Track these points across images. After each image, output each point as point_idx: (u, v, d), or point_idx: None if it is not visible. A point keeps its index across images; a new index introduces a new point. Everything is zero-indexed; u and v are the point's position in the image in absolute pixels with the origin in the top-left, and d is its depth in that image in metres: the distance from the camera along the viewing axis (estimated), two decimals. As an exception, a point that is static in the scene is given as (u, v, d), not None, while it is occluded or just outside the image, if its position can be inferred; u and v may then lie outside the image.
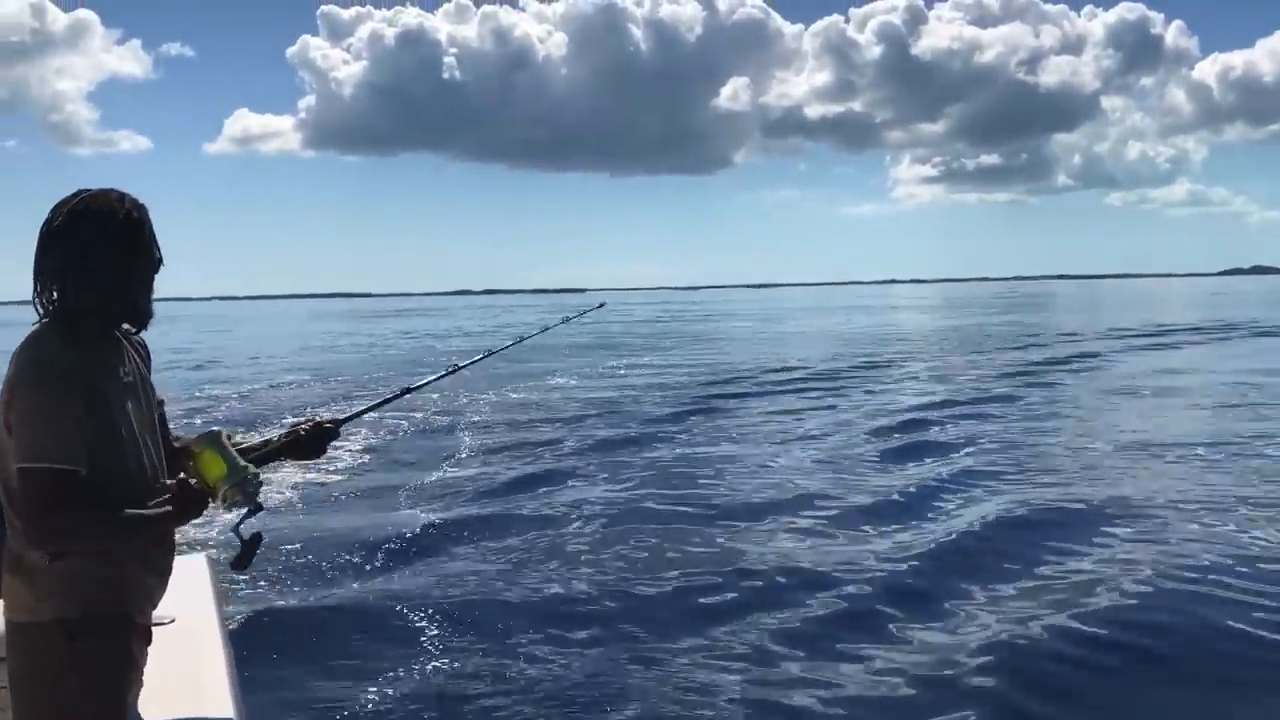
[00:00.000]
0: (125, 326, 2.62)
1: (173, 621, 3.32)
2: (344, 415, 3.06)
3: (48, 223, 2.50)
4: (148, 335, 2.70)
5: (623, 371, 27.46)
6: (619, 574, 7.80)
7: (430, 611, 6.80)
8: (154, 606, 2.61)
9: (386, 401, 3.50)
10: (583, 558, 8.26)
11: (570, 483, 11.51)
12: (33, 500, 2.29)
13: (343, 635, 6.42)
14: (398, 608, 6.89)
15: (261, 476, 2.52)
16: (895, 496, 10.46)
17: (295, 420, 2.98)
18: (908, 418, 16.23)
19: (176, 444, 2.75)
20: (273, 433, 2.97)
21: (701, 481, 11.41)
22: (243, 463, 2.47)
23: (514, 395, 21.52)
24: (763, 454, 13.19)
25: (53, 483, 2.27)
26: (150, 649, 2.61)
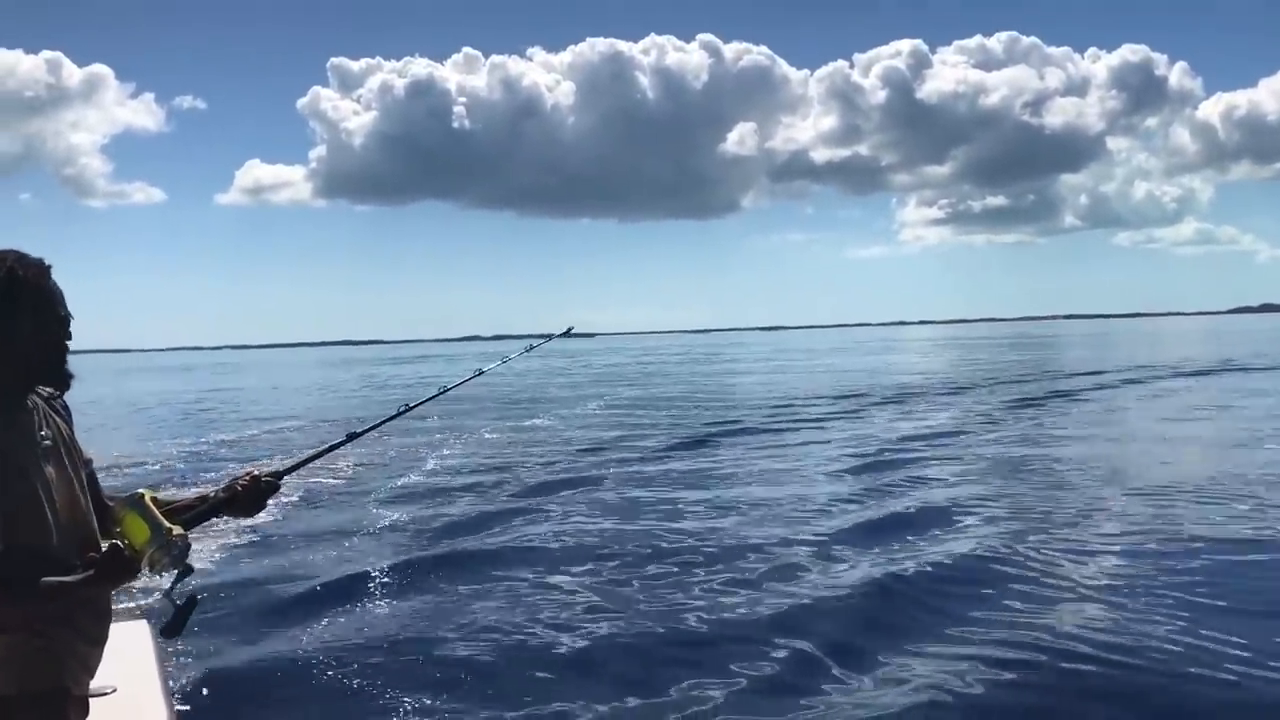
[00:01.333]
0: (47, 391, 2.56)
1: (114, 691, 3.22)
2: (285, 466, 2.96)
3: None
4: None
5: (600, 411, 27.72)
6: (577, 617, 7.68)
7: (384, 665, 6.64)
8: (91, 676, 2.54)
9: (331, 449, 3.35)
10: (549, 600, 8.13)
11: (533, 521, 11.48)
12: None
13: (292, 697, 6.29)
14: (349, 663, 6.70)
15: (189, 538, 2.45)
16: (879, 528, 10.57)
17: (233, 475, 2.89)
18: (903, 451, 16.40)
19: (111, 503, 2.67)
20: (213, 486, 2.88)
21: (675, 520, 11.38)
22: (167, 525, 2.42)
23: (489, 435, 21.63)
24: (742, 492, 13.16)
25: None
26: None
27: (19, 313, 2.42)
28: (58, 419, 2.57)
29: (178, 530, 2.42)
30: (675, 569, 9.02)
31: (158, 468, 17.62)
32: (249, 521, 8.74)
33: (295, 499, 12.80)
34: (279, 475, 2.88)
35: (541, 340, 5.21)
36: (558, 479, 14.84)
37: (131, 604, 6.92)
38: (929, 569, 8.65)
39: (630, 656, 6.84)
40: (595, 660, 6.80)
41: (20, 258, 2.47)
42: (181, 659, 6.54)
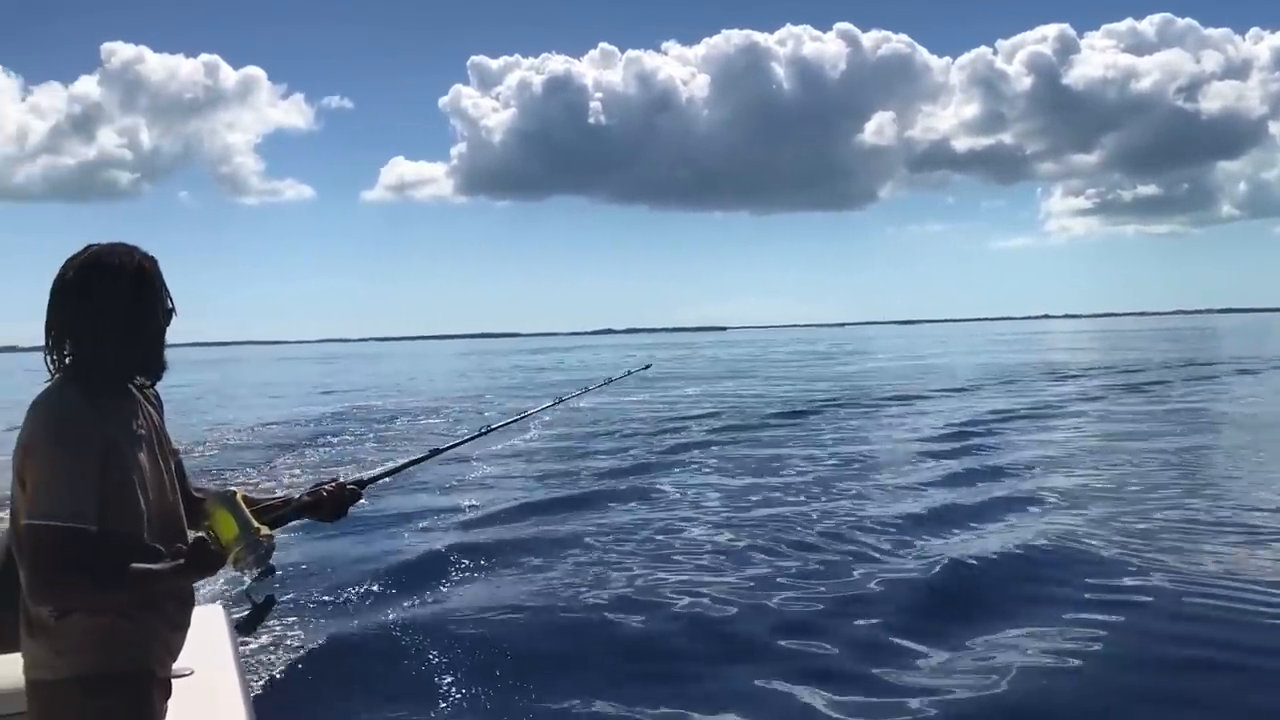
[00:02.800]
0: (139, 380, 2.62)
1: (191, 674, 3.28)
2: (368, 476, 3.02)
3: (59, 278, 2.49)
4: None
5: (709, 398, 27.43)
6: (651, 603, 7.70)
7: (456, 652, 6.68)
8: (174, 659, 2.60)
9: (414, 463, 3.46)
10: (623, 585, 8.17)
11: (614, 506, 11.59)
12: (38, 558, 2.27)
13: (364, 682, 6.31)
14: (421, 649, 6.74)
15: (275, 539, 2.49)
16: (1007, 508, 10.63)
17: (320, 480, 2.93)
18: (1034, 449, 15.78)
19: (198, 494, 2.75)
20: (313, 483, 2.96)
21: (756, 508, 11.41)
22: (255, 524, 2.44)
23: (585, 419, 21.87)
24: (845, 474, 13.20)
25: (59, 541, 2.25)
26: (170, 701, 2.60)
27: (148, 305, 2.51)
28: (150, 409, 2.64)
29: (265, 531, 2.45)
30: (765, 552, 9.17)
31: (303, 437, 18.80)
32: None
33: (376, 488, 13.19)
34: (362, 484, 2.93)
35: (621, 376, 5.42)
36: (644, 463, 15.13)
37: (206, 588, 7.15)
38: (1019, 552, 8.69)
39: (700, 639, 6.93)
40: (656, 641, 6.89)
41: (143, 253, 2.55)
42: (255, 643, 6.58)
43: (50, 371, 2.47)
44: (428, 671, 6.42)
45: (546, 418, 20.12)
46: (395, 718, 5.80)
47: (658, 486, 13.22)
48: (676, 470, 14.87)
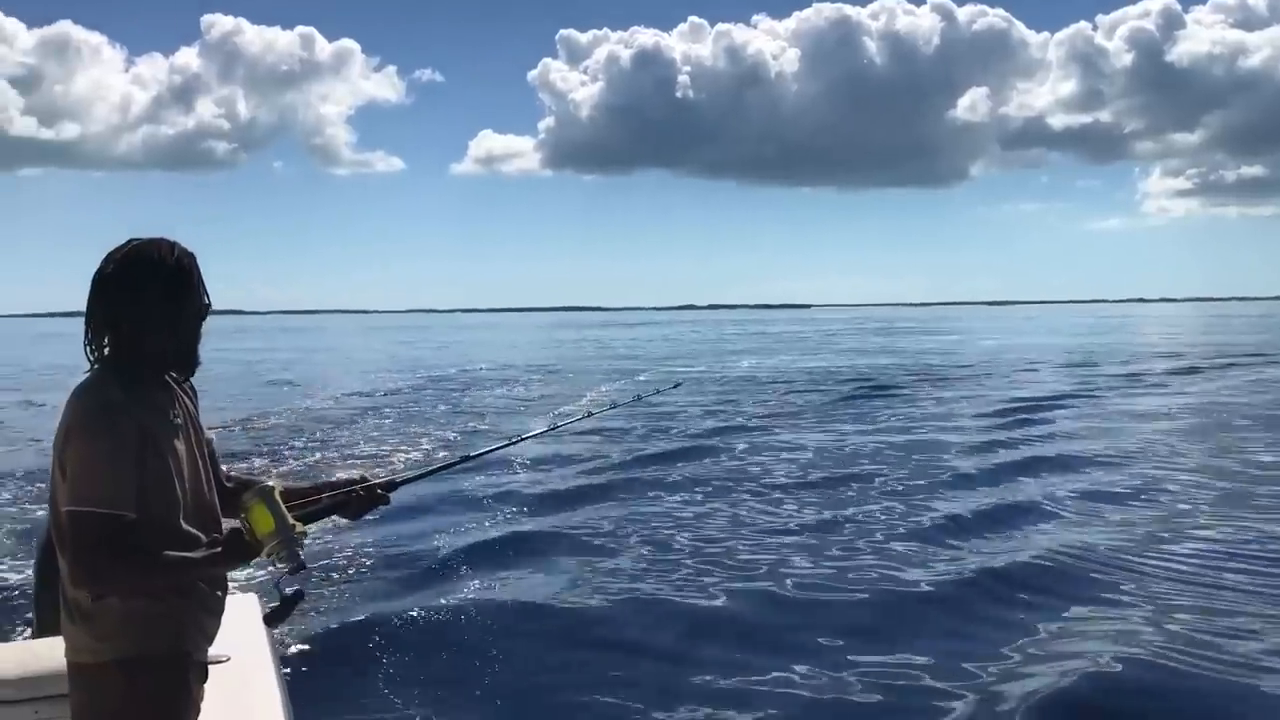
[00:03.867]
0: (174, 374, 2.66)
1: (228, 660, 3.33)
2: (399, 479, 3.06)
3: (99, 271, 2.55)
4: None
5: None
6: (681, 590, 7.65)
7: (491, 643, 6.64)
8: (210, 644, 2.66)
9: (444, 468, 3.57)
10: (651, 572, 8.13)
11: (651, 490, 11.54)
12: (78, 544, 2.33)
13: (398, 669, 6.32)
14: (455, 639, 6.75)
15: (309, 536, 2.54)
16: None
17: (349, 479, 2.97)
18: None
19: (229, 483, 2.81)
20: (346, 472, 3.05)
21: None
22: (291, 521, 2.50)
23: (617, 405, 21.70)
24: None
25: (98, 527, 2.31)
26: (206, 686, 2.66)
27: (186, 299, 2.57)
28: (186, 398, 2.69)
29: (300, 528, 2.51)
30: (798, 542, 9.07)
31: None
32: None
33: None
34: (391, 487, 2.97)
35: (652, 393, 5.65)
36: (678, 448, 14.74)
37: (240, 577, 7.01)
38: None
39: (740, 634, 6.83)
40: (682, 634, 6.80)
41: (182, 248, 2.59)
42: (290, 631, 6.62)
43: (90, 361, 2.54)
44: (461, 661, 6.41)
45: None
46: (427, 706, 5.79)
47: (700, 476, 12.93)
48: (742, 453, 14.56)
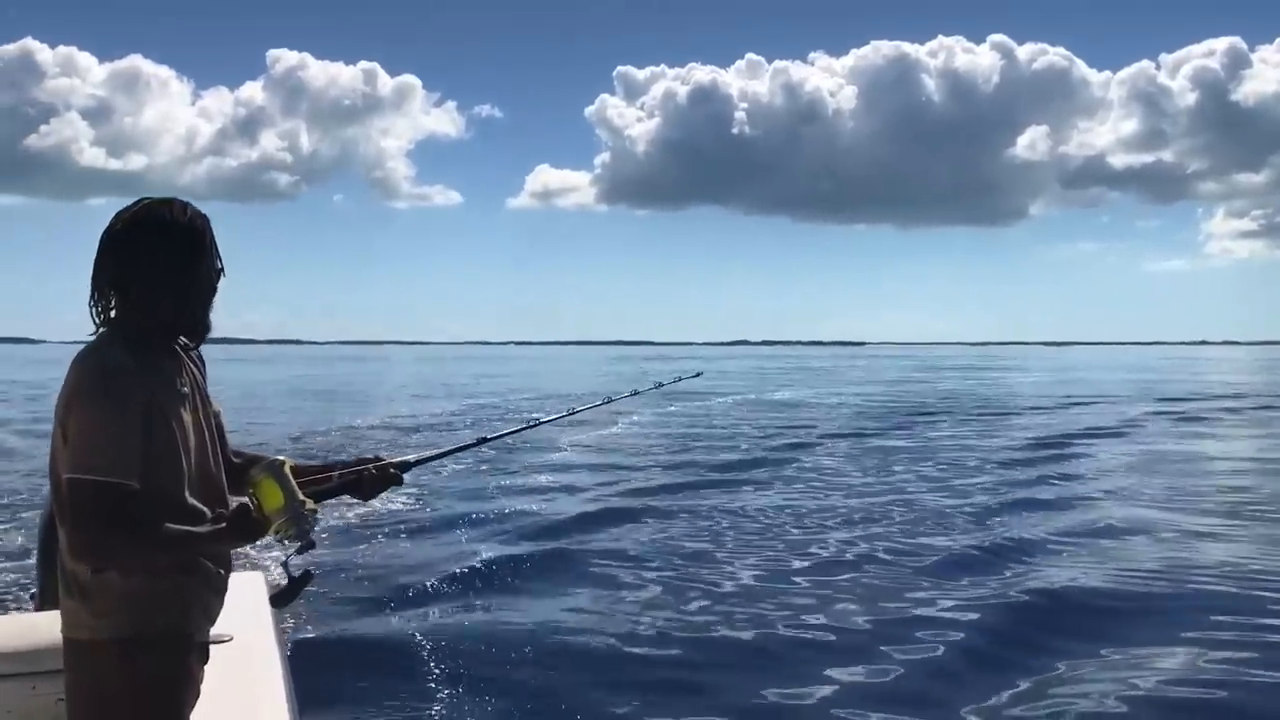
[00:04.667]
0: (183, 340, 2.55)
1: (231, 640, 3.27)
2: (414, 459, 2.94)
3: (108, 229, 2.43)
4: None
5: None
6: (689, 618, 7.50)
7: (496, 640, 6.63)
8: (212, 623, 2.57)
9: (461, 449, 3.46)
10: (659, 599, 7.99)
11: (656, 521, 11.29)
12: (78, 512, 2.22)
13: (402, 655, 6.30)
14: (462, 634, 6.72)
15: (319, 513, 2.44)
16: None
17: (361, 458, 2.87)
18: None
19: (237, 459, 2.70)
20: (353, 454, 2.91)
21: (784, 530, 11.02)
22: (301, 497, 2.40)
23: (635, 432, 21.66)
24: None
25: (100, 496, 2.20)
26: (207, 667, 2.57)
27: (198, 262, 2.45)
28: (194, 367, 2.57)
29: (310, 504, 2.41)
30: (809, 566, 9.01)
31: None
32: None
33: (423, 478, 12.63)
34: (405, 467, 2.87)
35: (673, 381, 5.59)
36: (691, 480, 14.78)
37: (245, 555, 6.99)
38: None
39: (727, 658, 6.74)
40: (692, 661, 6.68)
41: (195, 209, 2.49)
42: (295, 612, 6.53)
43: (95, 324, 2.41)
44: (466, 656, 6.38)
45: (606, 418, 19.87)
46: (431, 697, 5.78)
47: (734, 494, 13.06)
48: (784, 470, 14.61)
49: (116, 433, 2.24)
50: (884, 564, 9.19)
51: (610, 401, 4.61)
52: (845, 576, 8.69)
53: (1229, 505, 12.47)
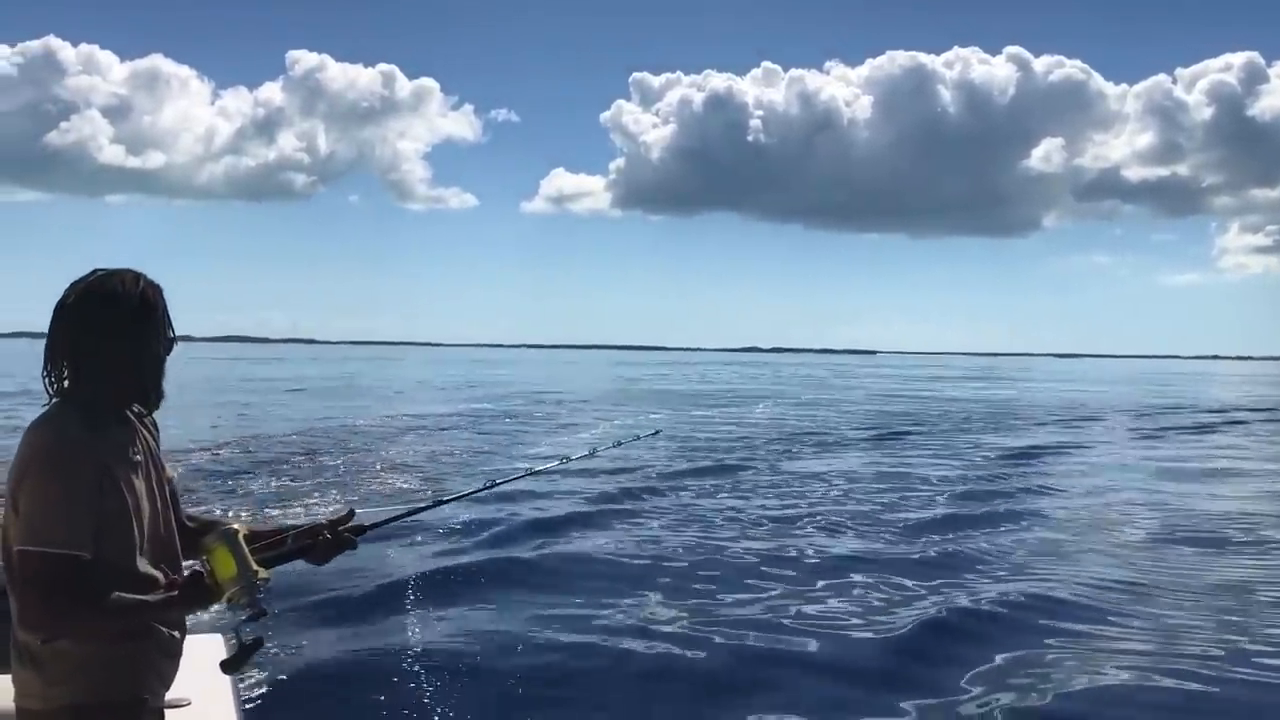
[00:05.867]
0: (136, 408, 2.60)
1: (189, 704, 3.23)
2: (367, 523, 2.98)
3: (60, 301, 2.47)
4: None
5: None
6: (631, 630, 7.67)
7: (457, 687, 6.61)
8: (166, 688, 2.58)
9: (415, 512, 3.52)
10: (619, 607, 8.19)
11: (607, 530, 11.54)
12: (30, 584, 2.25)
13: (365, 711, 6.29)
14: (420, 676, 6.73)
15: (270, 581, 2.48)
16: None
17: (315, 523, 2.90)
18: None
19: (191, 524, 2.74)
20: (308, 516, 3.11)
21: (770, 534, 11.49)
22: (254, 567, 2.44)
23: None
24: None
25: (52, 568, 2.23)
26: None
27: (149, 333, 2.51)
28: (147, 434, 2.62)
29: (263, 574, 2.45)
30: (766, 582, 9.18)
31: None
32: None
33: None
34: (359, 531, 2.90)
35: (631, 439, 5.76)
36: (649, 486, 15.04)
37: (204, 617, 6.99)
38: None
39: (689, 672, 6.93)
40: (646, 676, 6.86)
41: (147, 280, 2.54)
42: (253, 674, 6.49)
43: (48, 394, 2.48)
44: (427, 702, 6.39)
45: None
46: None
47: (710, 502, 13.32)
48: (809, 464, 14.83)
49: (67, 504, 2.27)
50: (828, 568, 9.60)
51: (568, 461, 4.62)
52: (800, 583, 9.09)
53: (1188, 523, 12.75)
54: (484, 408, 35.71)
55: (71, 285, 2.49)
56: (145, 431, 2.61)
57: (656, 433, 6.80)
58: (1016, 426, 29.25)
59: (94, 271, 2.52)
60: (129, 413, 2.57)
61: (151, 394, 2.58)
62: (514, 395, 43.36)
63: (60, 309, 2.47)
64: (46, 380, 2.47)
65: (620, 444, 5.33)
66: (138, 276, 2.53)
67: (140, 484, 2.49)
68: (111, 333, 2.44)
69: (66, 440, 2.34)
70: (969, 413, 35.19)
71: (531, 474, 4.31)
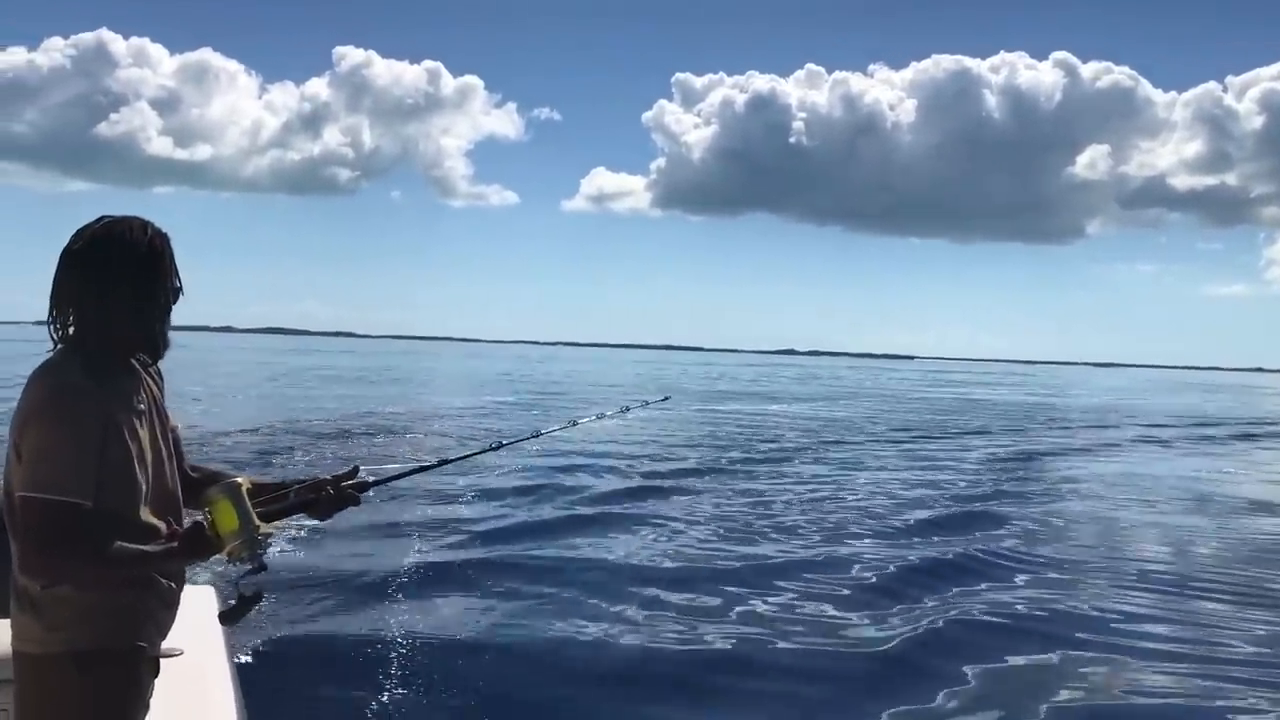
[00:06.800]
0: (141, 357, 2.57)
1: (181, 654, 3.23)
2: (371, 479, 2.89)
3: (68, 246, 2.45)
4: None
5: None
6: (636, 630, 7.62)
7: (446, 654, 6.71)
8: (163, 638, 2.58)
9: (419, 470, 3.35)
10: (608, 609, 8.14)
11: (593, 536, 11.33)
12: (31, 530, 2.25)
13: (353, 669, 6.35)
14: (410, 642, 6.81)
15: (273, 536, 2.45)
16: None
17: (318, 478, 2.83)
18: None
19: (195, 474, 2.71)
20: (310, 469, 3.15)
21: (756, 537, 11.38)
22: (256, 521, 2.40)
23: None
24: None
25: (53, 514, 2.22)
26: (159, 681, 2.57)
27: (156, 281, 2.48)
28: (152, 383, 2.59)
29: (265, 529, 2.41)
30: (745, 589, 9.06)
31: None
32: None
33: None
34: (363, 488, 2.83)
35: (639, 405, 5.36)
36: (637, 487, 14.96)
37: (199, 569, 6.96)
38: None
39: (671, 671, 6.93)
40: (642, 674, 6.85)
41: (155, 228, 2.50)
42: (247, 626, 6.45)
43: (53, 340, 2.44)
44: (416, 671, 6.47)
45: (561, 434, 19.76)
46: (385, 705, 5.89)
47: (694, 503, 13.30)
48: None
49: (71, 451, 2.27)
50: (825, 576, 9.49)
51: (576, 424, 4.55)
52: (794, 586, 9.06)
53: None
54: (505, 400, 36.56)
55: (79, 231, 2.46)
56: (150, 381, 2.59)
57: (666, 398, 6.54)
58: (1033, 431, 29.24)
59: (101, 218, 2.48)
60: (134, 361, 2.55)
61: (157, 342, 2.54)
62: (537, 389, 43.63)
63: (66, 255, 2.44)
64: (52, 328, 2.43)
65: (628, 409, 5.02)
66: (145, 224, 2.49)
67: (144, 433, 2.47)
68: (118, 278, 2.41)
69: (70, 388, 2.33)
70: (999, 412, 34.96)
71: (536, 436, 4.25)
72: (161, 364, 2.65)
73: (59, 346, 2.43)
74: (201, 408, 26.08)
